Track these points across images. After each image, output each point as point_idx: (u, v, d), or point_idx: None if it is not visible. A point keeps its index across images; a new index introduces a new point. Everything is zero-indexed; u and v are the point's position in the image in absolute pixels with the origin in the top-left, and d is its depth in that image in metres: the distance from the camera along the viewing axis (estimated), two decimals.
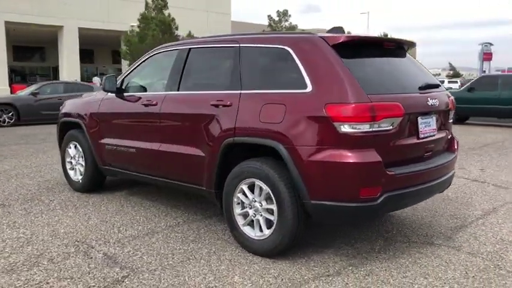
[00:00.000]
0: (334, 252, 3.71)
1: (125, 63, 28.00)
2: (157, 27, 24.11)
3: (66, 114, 5.63)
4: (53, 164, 7.45)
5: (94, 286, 3.13)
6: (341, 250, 3.76)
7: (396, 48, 3.84)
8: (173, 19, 25.57)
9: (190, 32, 26.39)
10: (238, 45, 3.86)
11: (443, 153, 3.90)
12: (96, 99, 5.19)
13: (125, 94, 4.78)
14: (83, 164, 5.40)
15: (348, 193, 3.16)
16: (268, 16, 34.82)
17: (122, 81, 4.86)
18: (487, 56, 44.42)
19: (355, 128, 3.11)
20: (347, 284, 3.17)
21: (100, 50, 41.20)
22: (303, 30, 35.60)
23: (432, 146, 3.68)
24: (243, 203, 3.71)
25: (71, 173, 5.63)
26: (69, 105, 5.70)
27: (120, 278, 3.24)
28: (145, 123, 4.51)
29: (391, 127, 3.23)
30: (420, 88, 3.62)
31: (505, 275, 3.31)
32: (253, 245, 3.62)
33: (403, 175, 3.30)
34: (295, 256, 3.60)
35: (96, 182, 5.44)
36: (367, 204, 3.17)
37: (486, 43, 45.20)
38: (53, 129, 13.17)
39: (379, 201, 3.18)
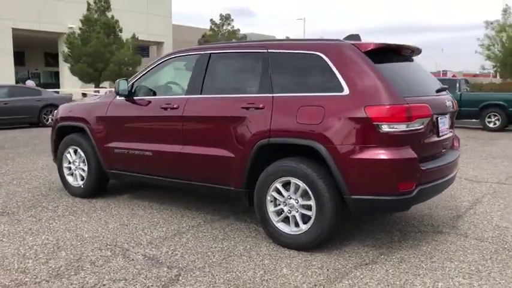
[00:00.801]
0: (361, 243, 4.00)
1: (64, 66, 26.93)
2: (102, 30, 23.47)
3: (64, 119, 5.51)
4: (32, 170, 7.18)
5: (152, 286, 3.19)
6: (366, 241, 4.06)
7: (409, 54, 4.21)
8: (117, 21, 25.06)
9: (134, 34, 25.93)
10: (266, 50, 4.05)
11: (450, 150, 4.31)
12: (102, 102, 5.14)
13: (139, 98, 4.80)
14: (85, 168, 5.31)
15: (387, 187, 3.46)
16: (211, 20, 34.96)
17: (132, 85, 4.87)
18: None
19: (394, 128, 3.42)
20: (387, 270, 3.46)
21: (31, 52, 39.15)
22: (245, 34, 36.08)
23: (446, 143, 4.08)
24: (275, 200, 3.90)
25: (70, 178, 5.51)
26: (67, 110, 5.59)
27: (173, 277, 3.32)
28: (165, 126, 4.56)
29: (421, 126, 3.57)
30: (437, 91, 4.01)
31: None
32: (288, 240, 3.81)
33: (430, 170, 3.65)
34: (327, 249, 3.84)
35: (100, 187, 5.38)
36: (404, 197, 3.48)
37: None
38: (1, 135, 12.60)
39: (413, 193, 3.51)
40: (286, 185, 3.85)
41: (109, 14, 24.88)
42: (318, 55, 3.76)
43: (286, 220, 3.88)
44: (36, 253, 3.74)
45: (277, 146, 3.89)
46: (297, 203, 3.77)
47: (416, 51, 4.33)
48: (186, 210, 4.94)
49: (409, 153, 3.46)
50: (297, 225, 3.81)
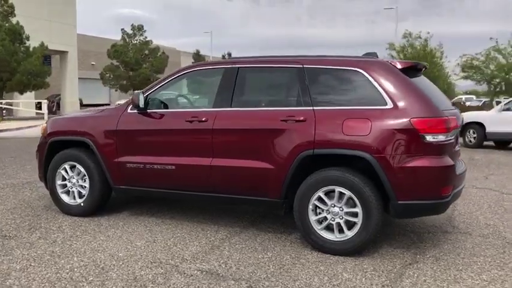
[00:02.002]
0: (390, 246, 4.30)
1: None
2: (7, 36, 21.70)
3: (59, 133, 5.15)
4: None
5: None
6: (392, 244, 4.37)
7: (423, 71, 4.65)
8: (22, 27, 23.35)
9: (43, 42, 24.33)
10: (301, 66, 4.22)
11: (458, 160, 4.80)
12: (109, 116, 4.91)
13: (156, 111, 4.67)
14: (86, 185, 5.01)
15: (431, 192, 3.81)
16: (122, 30, 33.92)
17: (147, 97, 4.74)
18: None
19: (436, 138, 3.79)
20: (432, 268, 3.80)
21: None
22: (158, 46, 35.52)
23: (459, 153, 4.57)
24: (316, 208, 4.07)
25: (65, 196, 5.15)
26: (61, 124, 5.24)
27: None
28: (191, 139, 4.50)
29: (453, 137, 3.99)
30: (452, 105, 4.49)
31: None
32: (333, 246, 3.99)
33: (459, 175, 4.08)
34: (367, 253, 4.09)
35: (102, 204, 5.11)
36: (443, 201, 3.86)
37: None
38: None
39: (450, 197, 3.90)
40: (327, 194, 4.04)
41: (14, 20, 23.10)
42: (359, 71, 4.03)
43: (327, 228, 4.06)
44: (83, 276, 3.51)
45: (319, 157, 4.07)
46: (341, 210, 3.98)
47: (425, 67, 4.78)
48: (204, 225, 4.88)
49: (449, 160, 3.85)
50: (341, 231, 4.00)
